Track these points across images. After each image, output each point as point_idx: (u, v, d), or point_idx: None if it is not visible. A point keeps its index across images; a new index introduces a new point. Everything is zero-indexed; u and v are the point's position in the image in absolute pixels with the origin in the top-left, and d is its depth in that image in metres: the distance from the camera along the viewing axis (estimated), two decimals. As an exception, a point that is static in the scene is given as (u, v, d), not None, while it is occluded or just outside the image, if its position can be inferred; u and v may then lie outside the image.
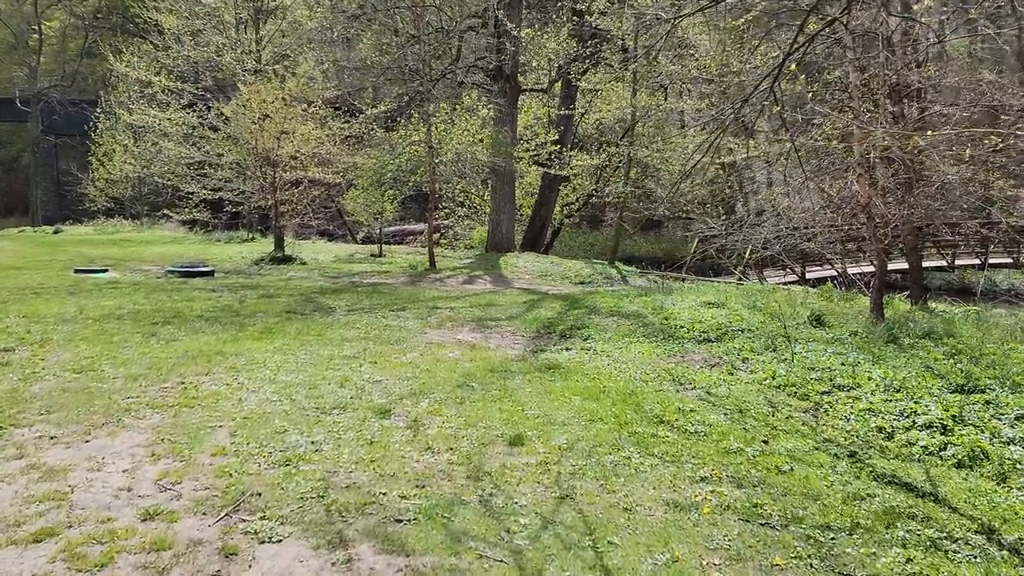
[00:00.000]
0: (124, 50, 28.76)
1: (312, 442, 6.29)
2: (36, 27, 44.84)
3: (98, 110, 35.53)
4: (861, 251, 20.94)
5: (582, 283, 19.22)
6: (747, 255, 17.99)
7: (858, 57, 12.02)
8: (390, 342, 10.65)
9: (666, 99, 21.13)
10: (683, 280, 17.99)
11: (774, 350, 9.48)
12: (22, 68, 44.68)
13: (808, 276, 20.30)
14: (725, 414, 7.14)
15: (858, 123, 11.31)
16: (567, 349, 10.52)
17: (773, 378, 8.24)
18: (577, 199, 24.64)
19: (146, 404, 7.29)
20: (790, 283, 18.79)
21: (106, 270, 18.37)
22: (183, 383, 8.12)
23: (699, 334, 10.87)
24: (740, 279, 18.11)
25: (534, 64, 28.68)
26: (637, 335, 11.15)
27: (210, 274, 18.57)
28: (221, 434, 6.48)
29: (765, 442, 6.39)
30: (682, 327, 11.28)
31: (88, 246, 27.88)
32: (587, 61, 21.76)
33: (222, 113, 22.71)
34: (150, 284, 16.55)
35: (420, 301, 14.67)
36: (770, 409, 7.27)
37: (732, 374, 8.64)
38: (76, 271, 18.04)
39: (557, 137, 22.66)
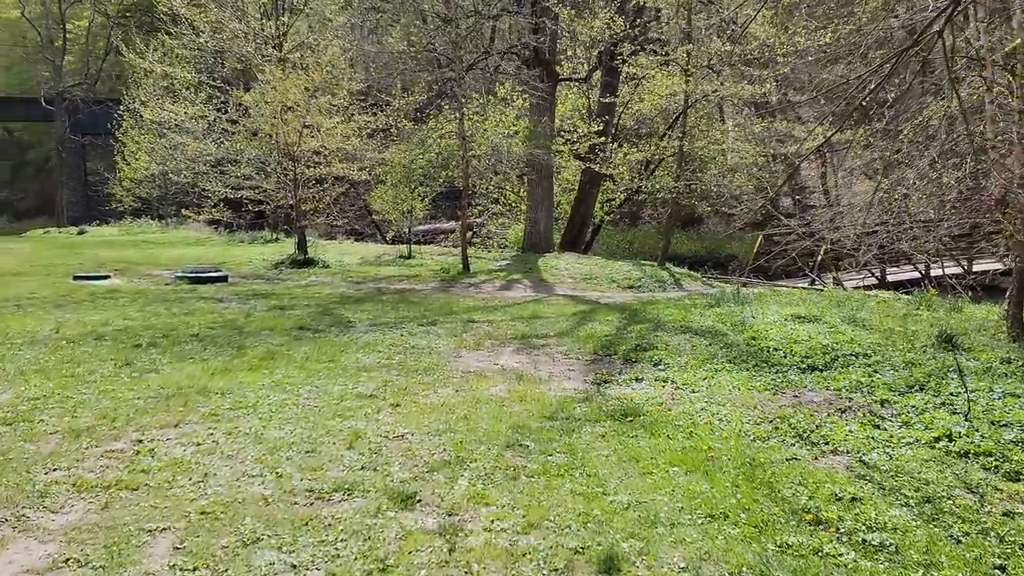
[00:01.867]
0: (142, 44, 26.72)
1: (293, 566, 3.99)
2: (61, 26, 43.19)
3: (122, 108, 33.70)
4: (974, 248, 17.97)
5: (631, 287, 16.81)
6: (821, 255, 15.46)
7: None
8: (418, 371, 8.34)
9: (720, 84, 18.59)
10: (745, 284, 15.51)
11: (921, 388, 7.03)
12: (48, 68, 43.03)
13: (888, 279, 17.71)
14: (907, 506, 4.73)
15: (994, 96, 8.82)
16: (637, 380, 8.16)
17: (949, 439, 5.78)
18: (619, 195, 22.17)
19: (73, 484, 5.05)
20: (870, 287, 16.25)
21: (107, 277, 16.28)
22: (139, 443, 5.87)
23: (801, 359, 8.45)
24: (813, 283, 15.66)
25: (570, 53, 26.31)
26: (720, 360, 8.76)
27: (223, 279, 16.42)
28: (160, 547, 4.20)
29: (1001, 569, 3.99)
30: (776, 350, 8.86)
31: (106, 248, 25.94)
32: (635, 42, 19.30)
33: (241, 104, 20.57)
34: (152, 293, 14.41)
35: (453, 313, 12.37)
36: (974, 499, 4.84)
37: (879, 427, 6.20)
38: (75, 278, 15.96)
39: (601, 128, 20.22)
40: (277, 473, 5.27)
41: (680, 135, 18.71)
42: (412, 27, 22.77)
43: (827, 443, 5.89)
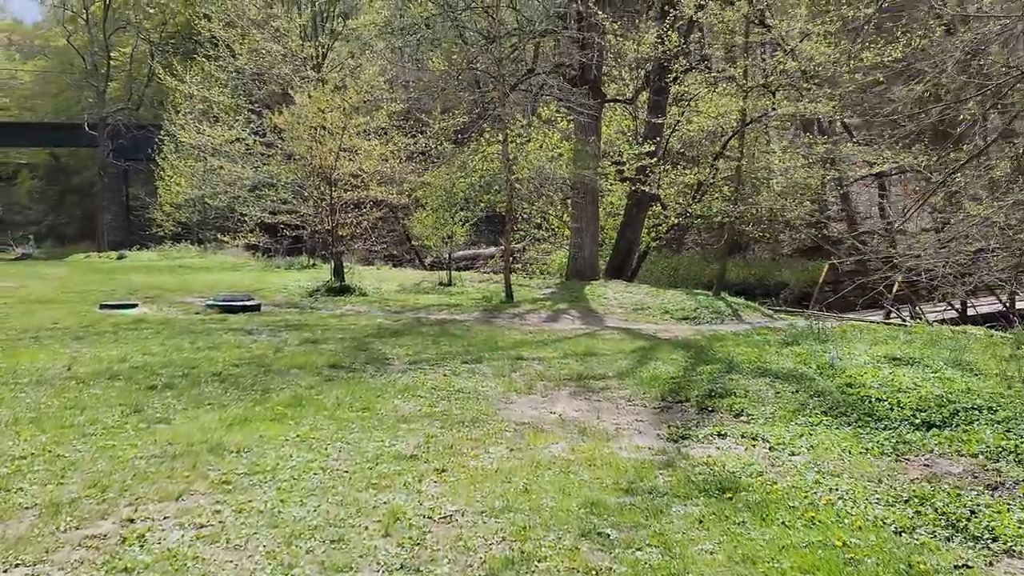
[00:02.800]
0: (181, 68, 26.11)
1: None
2: (106, 53, 43.14)
3: (162, 132, 33.24)
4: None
5: (686, 319, 15.47)
6: (896, 285, 14.02)
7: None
8: (464, 423, 7.13)
9: (780, 102, 17.25)
10: (810, 317, 14.08)
11: (1088, 459, 5.66)
12: (92, 94, 42.95)
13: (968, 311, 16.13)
14: None
15: None
16: (720, 435, 6.87)
17: None
18: (672, 218, 20.86)
19: (32, 590, 3.90)
20: (950, 320, 14.74)
21: (135, 305, 15.34)
22: (129, 523, 4.71)
23: (912, 413, 7.08)
24: (889, 315, 14.22)
25: (615, 74, 25.16)
26: (813, 411, 7.43)
27: (255, 308, 15.40)
28: None
29: None
30: (879, 400, 7.49)
31: (142, 273, 25.26)
32: (689, 58, 18.09)
33: (276, 126, 19.69)
34: (180, 323, 13.42)
35: (499, 348, 11.16)
36: None
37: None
38: (101, 307, 15.04)
39: (651, 149, 18.97)
40: (293, 574, 4.07)
41: (739, 155, 17.37)
42: (453, 47, 21.86)
43: (994, 538, 4.54)
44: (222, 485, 5.39)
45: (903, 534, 4.61)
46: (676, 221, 21.02)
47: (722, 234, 32.68)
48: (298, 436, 6.56)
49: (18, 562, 4.19)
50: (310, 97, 18.54)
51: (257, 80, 24.72)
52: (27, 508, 4.93)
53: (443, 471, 5.74)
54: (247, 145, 22.93)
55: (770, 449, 6.45)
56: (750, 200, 18.63)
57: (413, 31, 22.58)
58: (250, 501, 5.08)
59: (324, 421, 7.05)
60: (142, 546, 4.40)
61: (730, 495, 5.24)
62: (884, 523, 4.76)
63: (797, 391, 8.13)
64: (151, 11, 42.98)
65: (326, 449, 6.23)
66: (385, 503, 5.07)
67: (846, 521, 4.79)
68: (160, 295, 17.98)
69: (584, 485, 5.47)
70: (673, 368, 9.61)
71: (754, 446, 6.55)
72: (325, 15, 25.35)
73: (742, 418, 7.45)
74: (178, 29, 41.68)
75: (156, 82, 38.79)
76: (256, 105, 24.89)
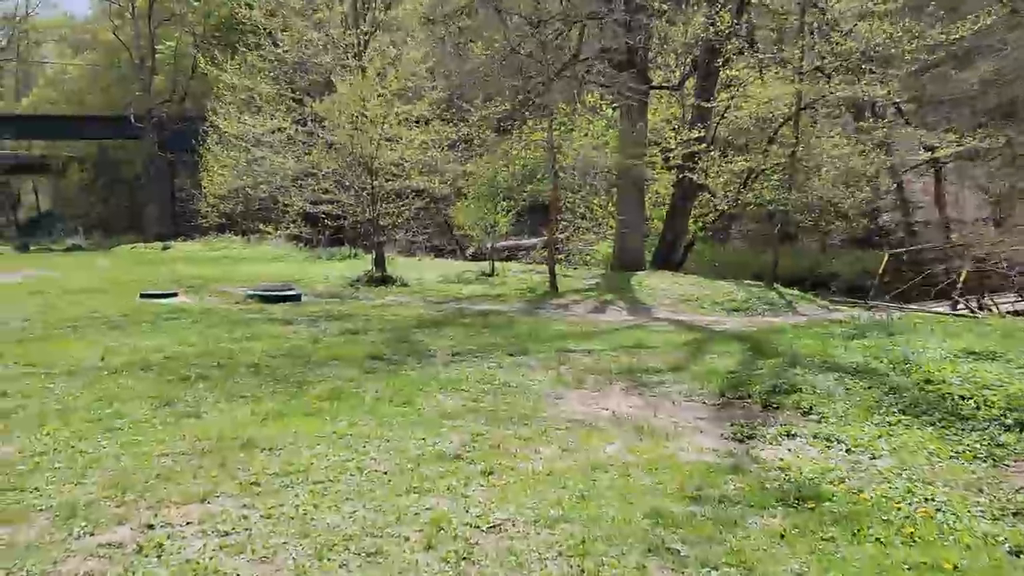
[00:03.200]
0: (223, 59, 25.91)
1: None
2: (150, 46, 43.39)
3: (206, 123, 33.20)
4: None
5: (738, 310, 14.80)
6: (963, 276, 13.16)
7: None
8: (512, 419, 6.62)
9: (837, 85, 16.39)
10: (871, 308, 13.32)
11: None
12: (139, 87, 43.23)
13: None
14: None
15: None
16: (789, 435, 6.28)
17: None
18: (723, 205, 20.08)
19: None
20: (1016, 313, 13.84)
21: (175, 295, 15.11)
22: (148, 529, 4.28)
23: (1002, 413, 6.39)
24: (955, 306, 13.38)
25: (660, 60, 24.37)
26: (891, 410, 6.77)
27: (296, 298, 15.08)
28: None
29: None
30: (964, 398, 6.80)
31: (186, 264, 25.22)
32: (741, 39, 17.31)
33: (316, 115, 19.34)
34: (220, 313, 13.12)
35: (545, 340, 10.61)
36: None
37: None
38: (142, 296, 14.81)
39: (701, 134, 18.24)
40: (325, 596, 3.60)
41: (794, 140, 16.55)
42: (495, 36, 21.29)
43: None
44: (251, 486, 4.94)
45: (1021, 555, 3.99)
46: (726, 209, 20.23)
47: (769, 224, 31.69)
48: (335, 433, 6.10)
49: (22, 573, 3.77)
50: (351, 85, 18.15)
51: (299, 69, 24.38)
52: (41, 510, 4.52)
53: (490, 473, 5.23)
54: (288, 135, 22.62)
55: (848, 452, 5.84)
56: (805, 188, 17.78)
57: (455, 19, 22.10)
58: (280, 505, 4.62)
59: (363, 416, 6.59)
60: (159, 556, 3.96)
61: (812, 505, 4.65)
62: (996, 541, 4.14)
63: (870, 387, 7.46)
64: (195, 3, 43.01)
65: (364, 447, 5.76)
66: (428, 509, 4.58)
67: (951, 538, 4.18)
68: (202, 285, 17.77)
69: (646, 491, 4.92)
70: (730, 361, 8.99)
71: (829, 448, 5.95)
72: (366, 3, 24.92)
73: (811, 416, 6.83)
74: (221, 21, 41.59)
75: (200, 74, 38.91)
76: (297, 94, 24.58)
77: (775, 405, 7.22)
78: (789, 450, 5.93)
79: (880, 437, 6.11)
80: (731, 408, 7.28)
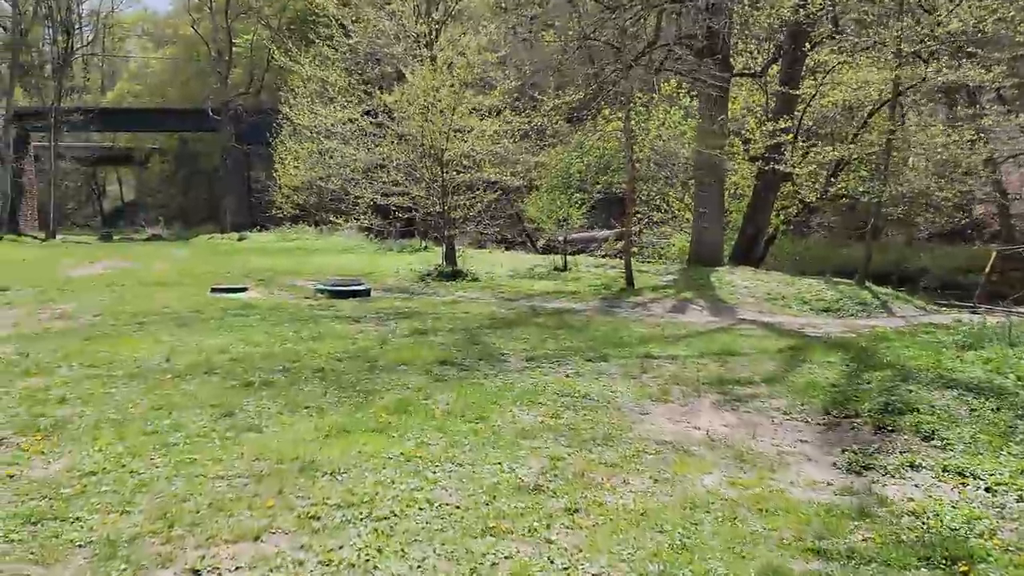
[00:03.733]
0: (297, 51, 25.77)
1: None
2: (228, 40, 43.85)
3: (280, 116, 33.33)
4: None
5: (827, 311, 13.81)
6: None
7: None
8: (596, 441, 5.96)
9: (939, 68, 15.15)
10: (975, 310, 12.19)
11: None
12: (217, 80, 43.77)
13: None
14: None
15: None
16: (913, 467, 5.48)
17: None
18: (811, 197, 18.95)
19: None
20: None
21: (245, 289, 14.84)
22: (193, 575, 3.76)
23: None
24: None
25: (740, 47, 23.24)
26: (1028, 437, 5.89)
27: (365, 294, 14.66)
28: None
29: None
30: (1117, 425, 5.89)
31: (259, 255, 25.17)
32: (834, 21, 16.18)
33: (386, 106, 18.91)
34: (287, 309, 12.76)
35: (625, 344, 9.90)
36: None
37: None
38: (213, 290, 14.59)
39: (786, 124, 17.17)
40: None
41: (889, 129, 15.37)
42: (568, 24, 20.52)
43: None
44: (309, 521, 4.39)
45: None
46: (812, 201, 19.08)
47: (851, 216, 30.16)
48: (402, 454, 5.53)
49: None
50: (422, 76, 17.66)
51: (370, 59, 24.07)
52: (80, 546, 4.06)
53: (575, 511, 4.58)
54: (360, 127, 22.30)
55: (987, 491, 5.02)
56: (899, 178, 16.58)
57: (527, 7, 21.37)
58: (340, 548, 4.06)
59: (432, 434, 6.01)
60: (200, 615, 3.43)
61: (965, 568, 3.86)
62: None
63: (999, 408, 6.58)
64: (272, -4, 43.46)
65: (434, 473, 5.18)
66: (506, 558, 3.96)
67: None
68: (272, 278, 17.54)
69: (758, 540, 4.21)
70: (832, 373, 8.13)
71: (964, 485, 5.13)
72: (438, -6, 24.46)
73: (934, 442, 6.00)
74: (296, 14, 41.82)
75: (275, 67, 39.17)
76: (368, 86, 24.26)
77: (889, 427, 6.40)
78: (916, 486, 5.14)
79: (1023, 472, 5.26)
80: (838, 430, 6.49)
